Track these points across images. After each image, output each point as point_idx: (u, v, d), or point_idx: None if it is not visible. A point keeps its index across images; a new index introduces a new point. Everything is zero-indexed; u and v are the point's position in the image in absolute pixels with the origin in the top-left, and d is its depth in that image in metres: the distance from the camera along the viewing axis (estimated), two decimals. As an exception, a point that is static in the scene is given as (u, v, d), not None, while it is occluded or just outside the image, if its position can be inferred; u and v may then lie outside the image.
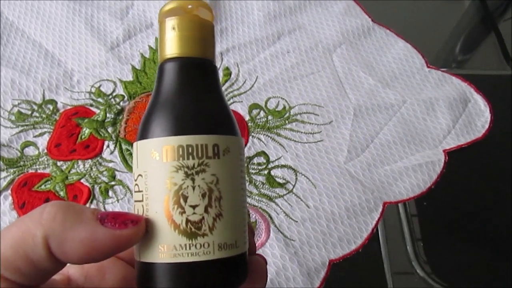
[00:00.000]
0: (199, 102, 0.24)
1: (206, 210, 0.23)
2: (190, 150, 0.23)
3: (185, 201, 0.22)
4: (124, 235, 0.21)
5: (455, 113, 0.64)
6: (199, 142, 0.23)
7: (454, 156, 0.60)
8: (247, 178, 0.56)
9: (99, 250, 0.20)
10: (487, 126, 0.63)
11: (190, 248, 0.22)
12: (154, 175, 0.23)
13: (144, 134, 0.24)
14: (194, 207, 0.22)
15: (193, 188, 0.23)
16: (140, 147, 0.24)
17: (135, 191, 0.24)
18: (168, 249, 0.22)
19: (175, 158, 0.23)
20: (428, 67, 0.69)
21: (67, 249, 0.20)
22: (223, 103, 0.26)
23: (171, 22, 0.25)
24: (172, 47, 0.25)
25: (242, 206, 0.25)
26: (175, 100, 0.24)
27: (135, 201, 0.24)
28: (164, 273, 0.23)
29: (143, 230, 0.22)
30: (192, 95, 0.25)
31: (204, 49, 0.25)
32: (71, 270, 0.25)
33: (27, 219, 0.20)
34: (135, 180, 0.24)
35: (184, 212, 0.22)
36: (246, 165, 0.57)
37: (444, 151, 0.60)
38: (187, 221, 0.22)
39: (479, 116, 0.64)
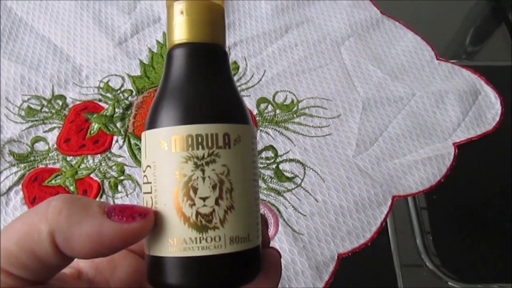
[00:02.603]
0: (209, 90, 0.24)
1: (217, 202, 0.22)
2: (199, 140, 0.22)
3: (195, 193, 0.22)
4: (132, 229, 0.20)
5: (465, 106, 0.63)
6: (209, 131, 0.22)
7: (464, 149, 0.60)
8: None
9: (106, 244, 0.20)
10: (497, 118, 0.63)
11: (200, 242, 0.22)
12: (162, 166, 0.22)
13: (152, 123, 0.23)
14: (204, 199, 0.22)
15: (203, 179, 0.22)
16: (148, 136, 0.23)
17: (144, 183, 0.23)
18: (178, 242, 0.22)
19: (184, 148, 0.22)
20: (437, 59, 0.68)
21: (73, 244, 0.19)
22: (234, 90, 0.25)
23: (179, 6, 0.24)
24: (180, 32, 0.24)
25: (254, 198, 0.24)
26: (184, 87, 0.23)
27: (144, 193, 0.23)
28: (174, 267, 0.22)
29: (152, 223, 0.22)
30: (202, 82, 0.24)
31: (214, 34, 0.24)
32: (81, 263, 0.24)
33: (33, 214, 0.20)
34: (144, 171, 0.23)
35: (194, 204, 0.22)
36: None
37: (453, 144, 0.60)
38: (197, 213, 0.22)
39: (490, 109, 0.63)
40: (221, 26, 0.25)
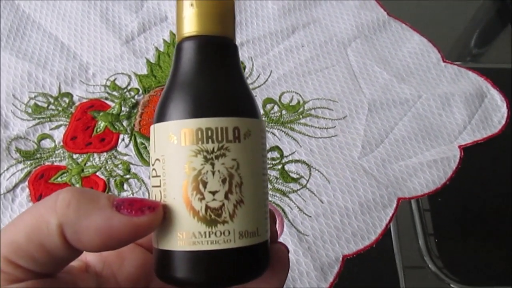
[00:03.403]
0: (219, 83, 0.23)
1: (226, 197, 0.22)
2: (209, 134, 0.22)
3: (205, 187, 0.22)
4: (141, 223, 0.20)
5: (471, 108, 0.63)
6: (219, 125, 0.22)
7: (469, 152, 0.59)
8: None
9: (115, 238, 0.20)
10: (503, 121, 0.62)
11: (209, 236, 0.22)
12: (172, 160, 0.22)
13: (161, 117, 0.23)
14: (214, 193, 0.22)
15: (213, 173, 0.22)
16: (157, 130, 0.23)
17: (153, 176, 0.23)
18: (187, 236, 0.22)
19: (194, 142, 0.22)
20: (444, 61, 0.68)
21: (82, 237, 0.19)
22: (244, 84, 0.25)
23: None
24: (190, 25, 0.24)
25: (263, 192, 0.24)
26: (194, 80, 0.23)
27: (153, 186, 0.23)
28: (183, 262, 0.22)
29: (161, 217, 0.22)
30: (212, 76, 0.23)
31: (224, 27, 0.24)
32: (89, 256, 0.24)
33: (41, 206, 0.20)
34: (152, 165, 0.23)
35: (204, 198, 0.22)
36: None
37: (459, 147, 0.60)
38: (207, 207, 0.22)
39: (496, 112, 0.63)
40: (231, 19, 0.25)
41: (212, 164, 0.22)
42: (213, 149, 0.22)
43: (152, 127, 0.24)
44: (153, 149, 0.23)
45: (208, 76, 0.23)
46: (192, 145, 0.22)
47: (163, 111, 0.23)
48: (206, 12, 0.24)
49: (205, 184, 0.22)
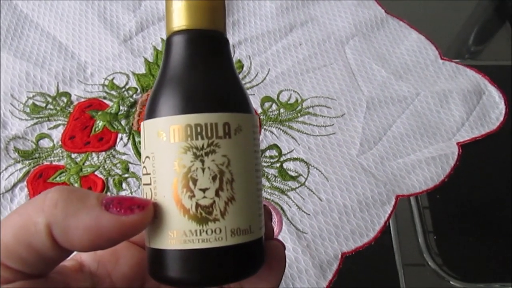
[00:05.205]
0: (208, 78, 0.23)
1: (217, 194, 0.21)
2: (199, 130, 0.21)
3: (195, 184, 0.21)
4: (130, 222, 0.20)
5: (469, 105, 0.63)
6: (208, 121, 0.21)
7: (468, 149, 0.59)
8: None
9: (104, 237, 0.19)
10: (501, 118, 0.62)
11: (201, 234, 0.21)
12: (161, 157, 0.22)
13: (150, 113, 0.23)
14: (204, 190, 0.21)
15: (203, 170, 0.21)
16: (147, 127, 0.23)
17: (143, 174, 0.23)
18: (178, 235, 0.21)
19: (183, 138, 0.21)
20: (442, 58, 0.68)
21: (71, 236, 0.19)
22: (235, 78, 0.24)
23: None
24: (179, 19, 0.23)
25: (256, 188, 0.23)
26: (183, 76, 0.23)
27: (143, 184, 0.23)
28: (175, 260, 0.22)
29: (151, 215, 0.21)
30: (201, 70, 0.23)
31: (214, 21, 0.24)
32: (83, 255, 0.24)
33: (29, 206, 0.19)
34: (143, 163, 0.23)
35: (194, 196, 0.21)
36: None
37: (457, 143, 0.60)
38: (197, 205, 0.21)
39: (494, 108, 0.63)
40: (221, 13, 0.24)
41: (202, 161, 0.21)
42: (203, 145, 0.21)
43: (142, 124, 0.23)
44: (143, 147, 0.23)
45: (197, 71, 0.23)
46: (181, 142, 0.21)
47: (152, 107, 0.23)
48: (195, 5, 0.23)
49: (195, 182, 0.21)
